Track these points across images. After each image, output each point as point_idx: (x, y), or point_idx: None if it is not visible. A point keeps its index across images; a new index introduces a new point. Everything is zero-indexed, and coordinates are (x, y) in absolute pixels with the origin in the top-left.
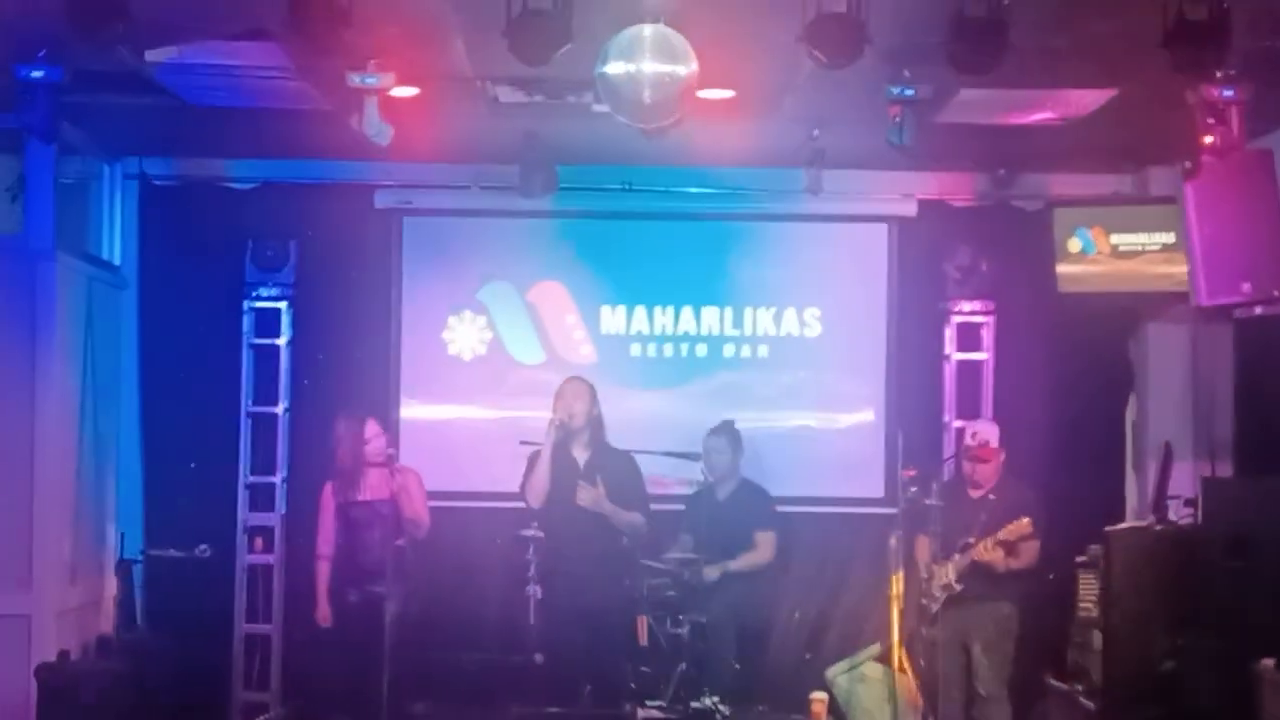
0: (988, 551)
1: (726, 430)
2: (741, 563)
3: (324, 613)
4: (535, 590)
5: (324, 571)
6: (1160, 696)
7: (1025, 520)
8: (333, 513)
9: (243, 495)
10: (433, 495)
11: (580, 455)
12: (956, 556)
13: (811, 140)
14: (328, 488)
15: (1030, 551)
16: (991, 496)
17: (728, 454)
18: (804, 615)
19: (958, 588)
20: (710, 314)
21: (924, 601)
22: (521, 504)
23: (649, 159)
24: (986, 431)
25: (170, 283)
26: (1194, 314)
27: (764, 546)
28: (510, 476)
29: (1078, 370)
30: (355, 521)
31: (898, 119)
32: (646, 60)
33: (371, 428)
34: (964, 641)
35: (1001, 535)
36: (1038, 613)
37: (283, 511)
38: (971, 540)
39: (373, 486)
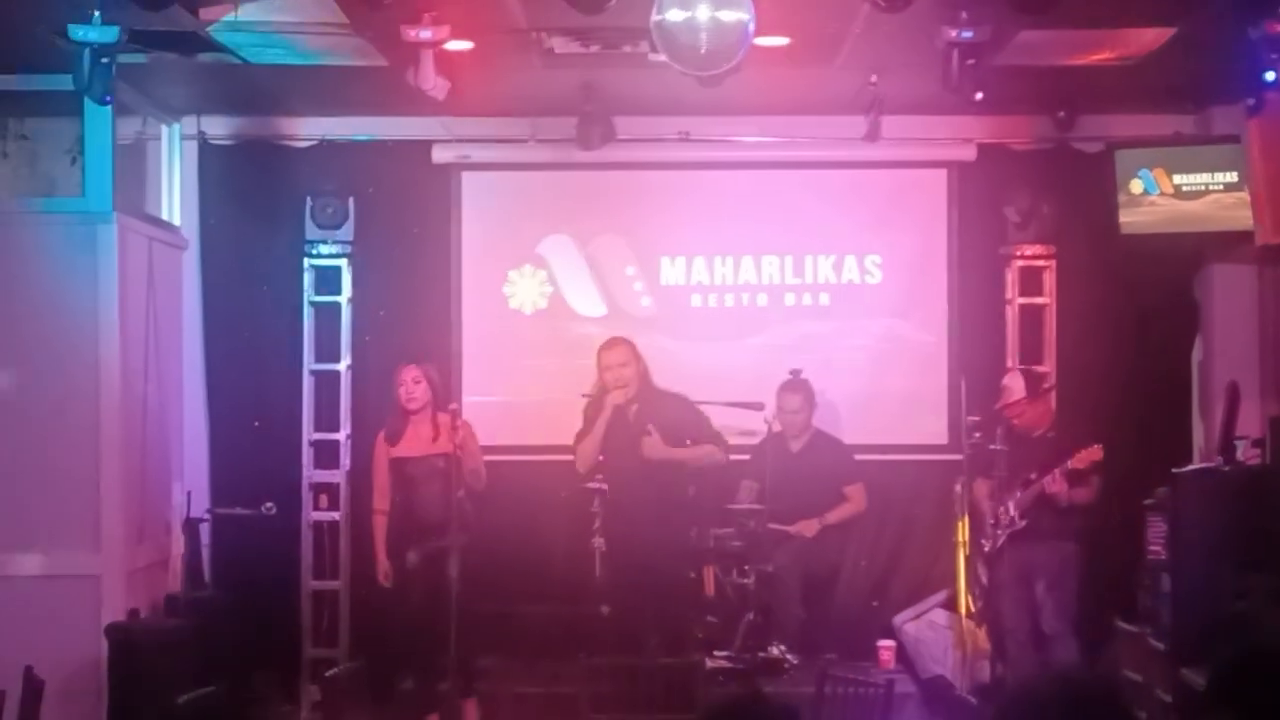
0: (1055, 482)
1: (801, 387)
2: (837, 515)
3: (384, 570)
4: (600, 542)
5: (381, 527)
6: (1230, 637)
7: (1097, 446)
8: (386, 467)
9: (307, 452)
10: (496, 449)
11: (629, 409)
12: (1019, 493)
13: (869, 86)
14: (379, 439)
15: (1093, 486)
16: (1051, 434)
17: (803, 412)
18: (870, 563)
19: (1021, 523)
20: (770, 263)
21: (983, 543)
22: None
23: (706, 108)
24: (1009, 383)
25: (230, 242)
26: (1259, 253)
27: (856, 498)
28: (572, 429)
29: (1141, 312)
30: (413, 477)
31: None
32: (703, 7)
33: (408, 373)
34: (1028, 580)
35: (1072, 463)
36: (1106, 556)
37: (347, 468)
38: (1033, 477)
39: (426, 440)
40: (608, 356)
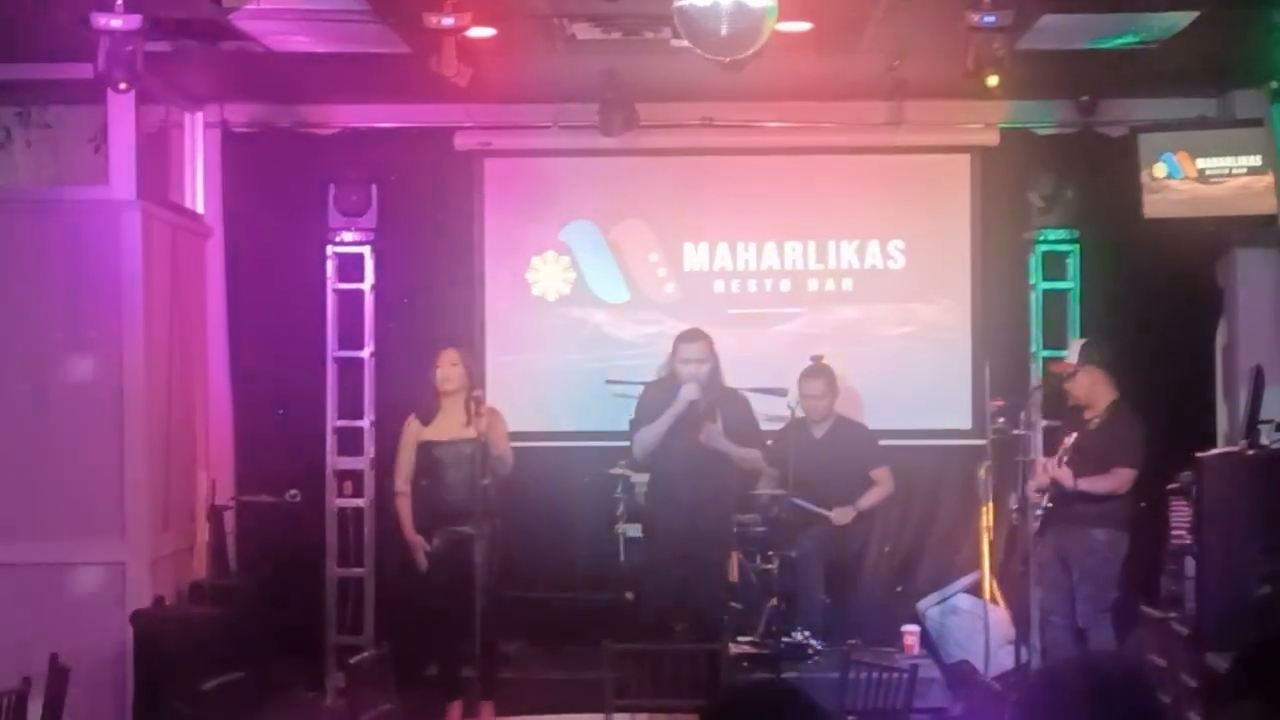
0: (1055, 469)
1: (823, 372)
2: (870, 499)
3: (419, 545)
4: (624, 528)
5: (405, 509)
6: (1254, 622)
7: (1073, 435)
8: (413, 447)
9: (331, 439)
10: (520, 436)
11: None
12: None
13: (892, 71)
14: (410, 419)
15: (1117, 477)
16: (1096, 419)
17: (826, 398)
18: (894, 549)
19: (1048, 505)
20: (793, 249)
21: (1034, 519)
22: (607, 443)
23: (728, 94)
24: (1071, 345)
25: (254, 229)
26: None
27: (885, 481)
28: (597, 415)
29: (1165, 297)
30: (440, 461)
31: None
32: None
33: (445, 357)
34: (1066, 565)
35: (1059, 450)
36: (1130, 541)
37: (371, 455)
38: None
39: (457, 424)
40: (688, 350)
